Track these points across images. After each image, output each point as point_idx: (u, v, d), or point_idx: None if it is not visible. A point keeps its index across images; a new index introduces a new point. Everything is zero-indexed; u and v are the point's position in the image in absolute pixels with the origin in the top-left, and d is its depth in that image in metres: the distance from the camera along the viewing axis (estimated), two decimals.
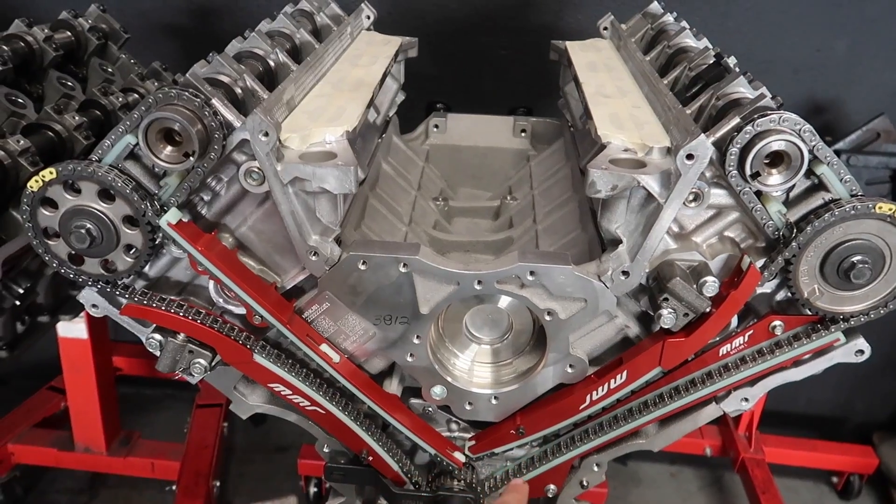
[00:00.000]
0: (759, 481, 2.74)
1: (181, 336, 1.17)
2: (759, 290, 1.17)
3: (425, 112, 2.06)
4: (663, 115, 1.22)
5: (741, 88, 1.17)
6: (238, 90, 1.18)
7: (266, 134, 1.04)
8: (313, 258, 1.15)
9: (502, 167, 1.97)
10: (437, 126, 1.98)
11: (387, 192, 1.59)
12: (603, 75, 1.51)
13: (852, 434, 3.13)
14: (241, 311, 1.20)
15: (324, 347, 1.20)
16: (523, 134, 2.00)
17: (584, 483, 1.36)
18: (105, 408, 2.59)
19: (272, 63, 1.36)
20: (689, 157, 1.03)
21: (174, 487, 2.59)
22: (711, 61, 1.34)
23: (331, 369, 1.21)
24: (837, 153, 2.05)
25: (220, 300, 1.21)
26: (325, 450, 1.37)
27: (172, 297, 1.19)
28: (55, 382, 2.78)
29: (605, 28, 1.90)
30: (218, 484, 2.67)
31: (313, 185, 1.08)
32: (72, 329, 2.38)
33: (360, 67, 1.51)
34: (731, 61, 1.29)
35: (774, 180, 1.03)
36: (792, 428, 3.09)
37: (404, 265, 1.15)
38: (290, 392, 1.23)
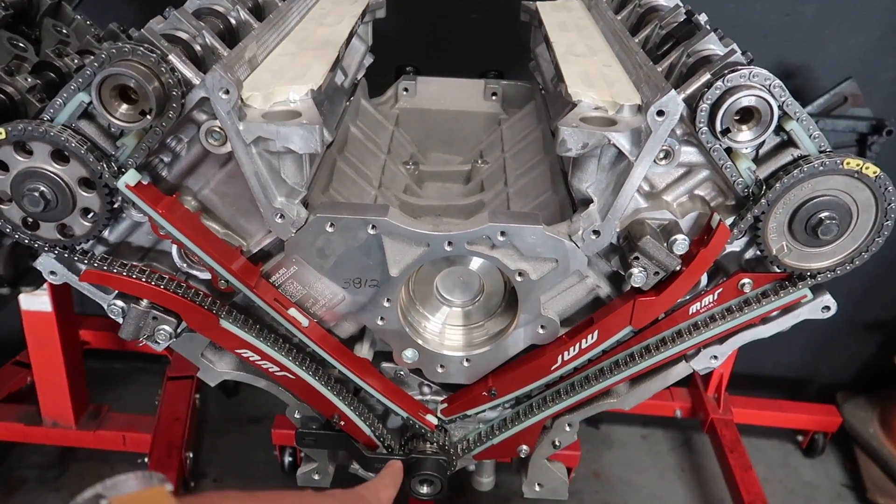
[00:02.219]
0: (727, 441, 2.80)
1: (144, 302, 1.14)
2: (729, 249, 1.18)
3: (395, 75, 2.02)
4: (634, 73, 1.20)
5: (712, 45, 1.16)
6: (197, 47, 1.14)
7: (227, 91, 1.01)
8: (279, 220, 1.13)
9: (473, 131, 1.95)
10: (406, 89, 1.95)
11: (356, 156, 1.56)
12: (573, 35, 1.49)
13: (817, 394, 3.20)
14: (207, 275, 1.18)
15: (292, 312, 1.18)
16: (494, 97, 1.97)
17: (557, 443, 1.36)
18: (73, 382, 2.54)
19: (233, 21, 1.31)
20: (660, 113, 1.02)
21: (146, 460, 2.57)
22: (682, 19, 1.32)
23: (300, 334, 1.20)
24: None
25: (184, 265, 1.18)
26: (297, 416, 1.36)
27: (134, 263, 1.16)
28: (21, 357, 2.72)
29: None
30: (191, 455, 2.65)
31: (277, 145, 1.05)
32: (35, 302, 2.32)
33: (326, 27, 1.46)
34: (703, 18, 1.27)
35: (744, 136, 1.02)
36: (759, 389, 3.15)
37: (373, 227, 1.13)
38: (259, 358, 1.21)
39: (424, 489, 1.30)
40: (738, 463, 2.71)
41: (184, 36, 1.12)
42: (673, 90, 1.00)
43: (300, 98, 1.12)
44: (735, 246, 1.18)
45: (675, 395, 3.04)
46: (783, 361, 3.22)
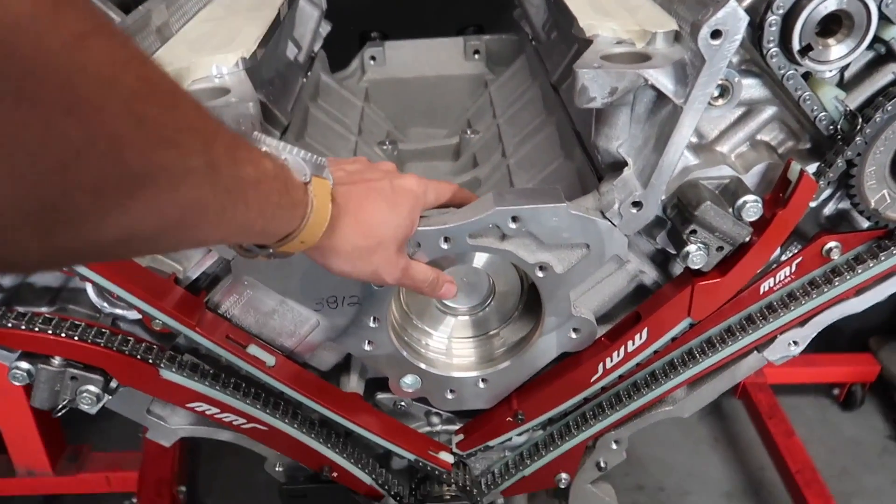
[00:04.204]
0: (764, 407, 2.59)
1: (57, 360, 0.87)
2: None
3: (359, 44, 1.73)
4: None
5: None
6: None
7: None
8: None
9: (457, 98, 1.67)
10: (373, 58, 1.66)
11: (318, 141, 1.28)
12: None
13: (850, 343, 2.99)
14: (136, 315, 0.90)
15: (252, 350, 0.91)
16: (477, 56, 1.69)
17: (602, 465, 1.11)
18: (43, 423, 2.29)
19: None
20: (715, 34, 0.74)
21: (134, 500, 2.35)
22: None
23: (265, 376, 0.92)
24: None
25: (105, 304, 0.91)
26: (278, 468, 1.09)
27: (38, 311, 0.88)
28: None
29: None
30: (184, 489, 2.42)
31: None
32: None
33: None
34: None
35: (835, 52, 0.75)
36: None
37: None
38: (219, 410, 0.94)
39: None
40: (780, 430, 2.49)
41: None
42: (733, 0, 0.73)
43: (228, 70, 0.84)
44: (811, 201, 0.91)
45: None
46: None
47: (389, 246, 0.79)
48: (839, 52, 0.75)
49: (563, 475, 1.09)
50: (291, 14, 1.37)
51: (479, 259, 0.96)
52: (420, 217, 0.85)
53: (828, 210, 0.92)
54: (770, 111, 0.85)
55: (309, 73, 1.43)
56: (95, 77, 0.39)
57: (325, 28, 1.59)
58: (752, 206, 0.82)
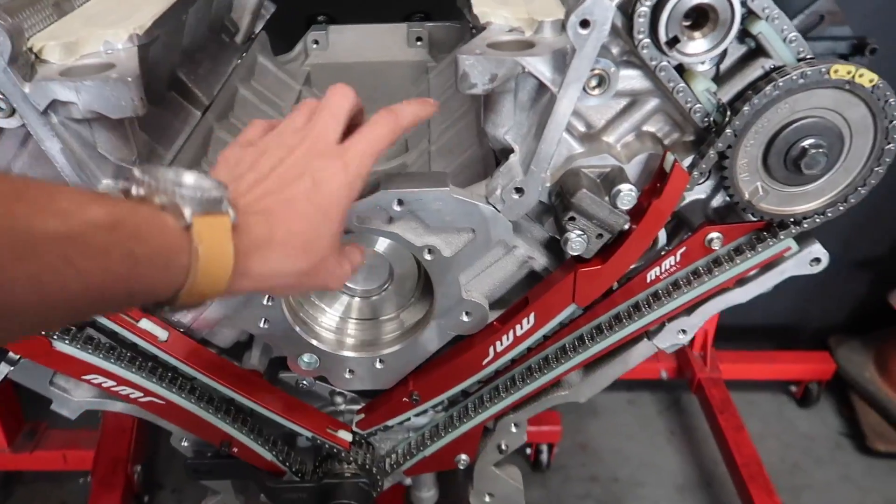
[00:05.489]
0: (716, 401, 2.61)
1: None
2: (692, 197, 0.93)
3: (305, 27, 1.74)
4: None
5: None
6: None
7: None
8: None
9: (400, 83, 1.67)
10: (316, 42, 1.67)
11: (243, 121, 1.29)
12: None
13: (810, 341, 3.02)
14: None
15: (144, 324, 0.92)
16: (419, 43, 1.69)
17: (504, 447, 1.13)
18: (0, 402, 2.31)
19: None
20: (584, 24, 0.76)
21: (89, 479, 2.36)
22: None
23: (159, 351, 0.94)
24: None
25: None
26: (184, 444, 1.12)
27: None
28: None
29: None
30: (139, 469, 2.42)
31: (81, 109, 0.78)
32: None
33: None
34: None
35: (697, 46, 0.77)
36: (748, 341, 2.97)
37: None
38: (115, 384, 0.96)
39: None
40: (729, 424, 2.52)
41: None
42: None
43: (121, 46, 0.85)
44: (699, 192, 0.92)
45: (660, 355, 2.85)
46: (771, 309, 3.02)
47: (331, 257, 0.71)
48: (704, 46, 0.77)
49: (463, 456, 1.11)
50: None
51: (381, 244, 0.98)
52: None
53: (716, 202, 0.94)
54: (653, 103, 0.87)
55: (244, 55, 1.44)
56: None
57: (269, 9, 1.60)
58: (626, 195, 0.84)
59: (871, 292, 2.89)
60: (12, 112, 0.79)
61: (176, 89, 1.14)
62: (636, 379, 2.89)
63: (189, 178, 0.58)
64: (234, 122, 1.27)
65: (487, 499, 1.21)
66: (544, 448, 2.42)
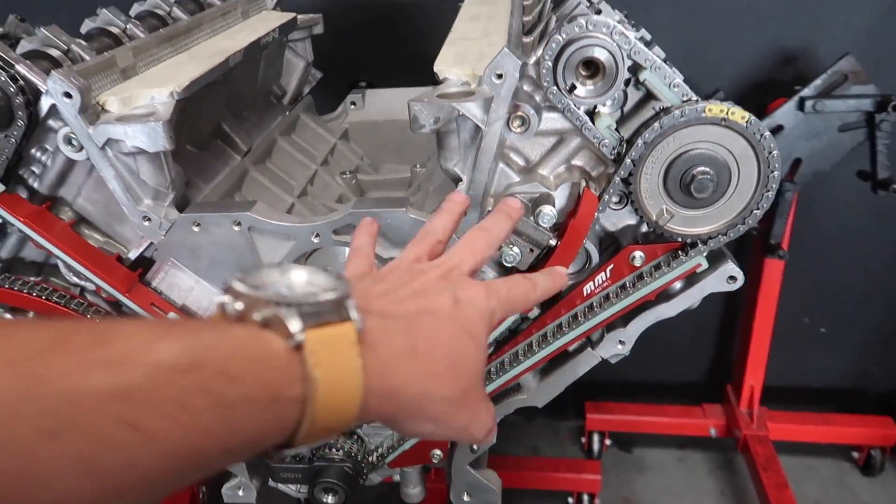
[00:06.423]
0: (760, 458, 2.57)
1: (31, 315, 1.16)
2: (625, 222, 1.09)
3: (348, 91, 2.02)
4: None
5: (583, 4, 1.09)
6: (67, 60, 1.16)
7: (68, 95, 1.02)
8: (146, 224, 1.12)
9: (427, 138, 1.90)
10: (353, 103, 1.94)
11: (278, 166, 1.55)
12: (480, 24, 1.44)
13: (874, 405, 2.91)
14: (93, 286, 1.18)
15: (172, 316, 1.16)
16: None
17: (474, 447, 1.27)
18: None
19: (129, 39, 1.34)
20: (499, 75, 0.96)
21: None
22: None
23: None
24: (802, 101, 1.92)
25: (73, 277, 1.19)
26: None
27: (25, 278, 1.18)
28: None
29: None
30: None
31: (128, 146, 1.05)
32: None
33: (232, 39, 1.48)
34: None
35: (586, 91, 0.94)
36: (809, 403, 2.89)
37: (237, 223, 1.11)
38: None
39: (329, 499, 1.24)
40: (772, 481, 2.48)
41: (54, 53, 1.15)
42: (505, 48, 0.94)
43: (162, 101, 1.12)
44: (630, 219, 1.08)
45: (709, 412, 2.83)
46: (831, 369, 2.95)
47: (480, 400, 0.58)
48: (591, 91, 0.94)
49: (437, 451, 1.26)
50: (272, 61, 1.67)
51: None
52: None
53: (644, 228, 1.09)
54: (576, 140, 1.04)
55: (288, 113, 1.72)
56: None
57: (316, 76, 1.89)
58: (546, 214, 1.01)
59: None
60: (81, 148, 1.07)
61: (220, 138, 1.42)
62: (687, 436, 2.88)
63: (299, 274, 0.47)
64: (269, 167, 1.54)
65: (466, 497, 1.34)
66: (585, 498, 2.46)
